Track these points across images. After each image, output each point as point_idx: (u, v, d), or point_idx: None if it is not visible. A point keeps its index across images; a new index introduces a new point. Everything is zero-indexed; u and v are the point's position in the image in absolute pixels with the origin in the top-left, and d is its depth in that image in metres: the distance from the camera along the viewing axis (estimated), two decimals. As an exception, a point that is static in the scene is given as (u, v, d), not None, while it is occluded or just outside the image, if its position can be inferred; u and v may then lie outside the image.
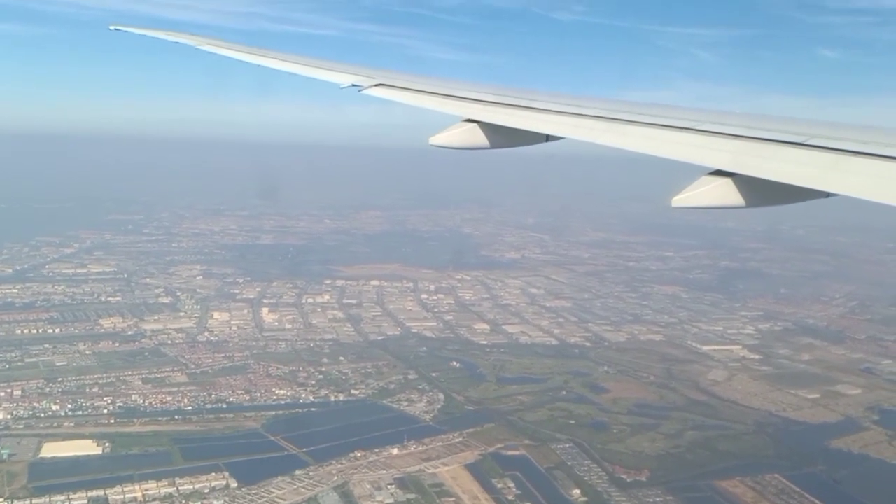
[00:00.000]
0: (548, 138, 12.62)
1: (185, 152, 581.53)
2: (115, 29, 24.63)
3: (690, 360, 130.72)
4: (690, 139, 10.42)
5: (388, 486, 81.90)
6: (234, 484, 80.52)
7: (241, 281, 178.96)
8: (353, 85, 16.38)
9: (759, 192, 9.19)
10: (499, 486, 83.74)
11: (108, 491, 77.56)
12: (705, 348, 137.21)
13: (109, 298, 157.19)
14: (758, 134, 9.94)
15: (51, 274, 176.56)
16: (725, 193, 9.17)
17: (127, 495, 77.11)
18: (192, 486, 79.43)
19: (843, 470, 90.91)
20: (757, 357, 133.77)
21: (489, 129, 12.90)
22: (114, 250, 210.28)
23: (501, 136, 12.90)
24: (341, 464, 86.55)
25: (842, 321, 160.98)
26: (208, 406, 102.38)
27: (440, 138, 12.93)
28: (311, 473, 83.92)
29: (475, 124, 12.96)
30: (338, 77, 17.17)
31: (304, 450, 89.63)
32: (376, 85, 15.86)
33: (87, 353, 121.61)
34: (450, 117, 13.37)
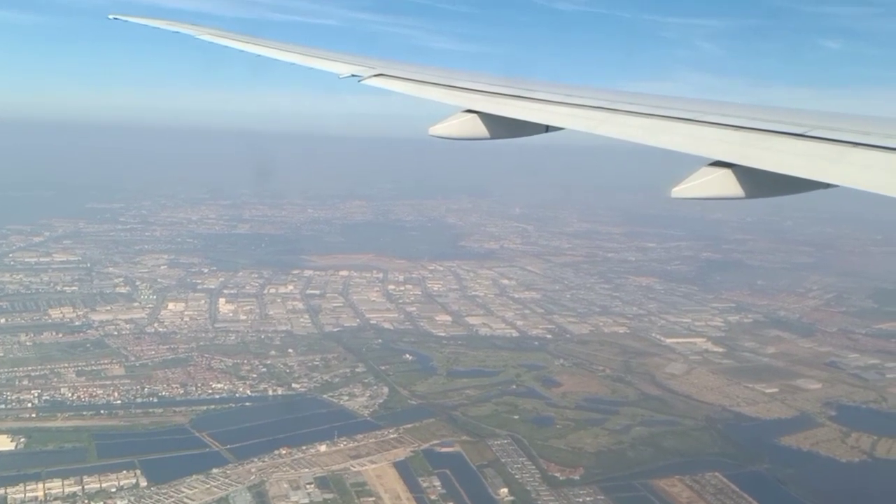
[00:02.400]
0: (548, 129, 12.47)
1: (181, 141, 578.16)
2: (115, 18, 24.53)
3: (651, 353, 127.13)
4: (691, 130, 10.39)
5: (307, 486, 78.49)
6: (143, 483, 77.16)
7: (206, 271, 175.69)
8: (353, 75, 16.25)
9: (759, 183, 9.11)
10: (424, 484, 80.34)
11: (10, 489, 74.12)
12: (668, 341, 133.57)
13: (66, 288, 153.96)
14: (758, 125, 9.92)
15: (12, 263, 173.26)
16: (725, 184, 9.10)
17: (28, 494, 73.77)
18: (98, 485, 76.02)
19: (788, 468, 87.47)
20: (720, 350, 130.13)
21: (489, 119, 12.76)
22: (84, 239, 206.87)
23: (501, 127, 12.80)
24: (263, 461, 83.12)
25: (815, 314, 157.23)
26: (138, 400, 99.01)
27: (440, 128, 12.81)
28: (228, 472, 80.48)
29: (475, 115, 12.82)
30: (337, 67, 17.09)
31: (228, 447, 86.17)
32: (376, 75, 15.78)
33: (28, 344, 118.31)
34: (450, 107, 13.31)
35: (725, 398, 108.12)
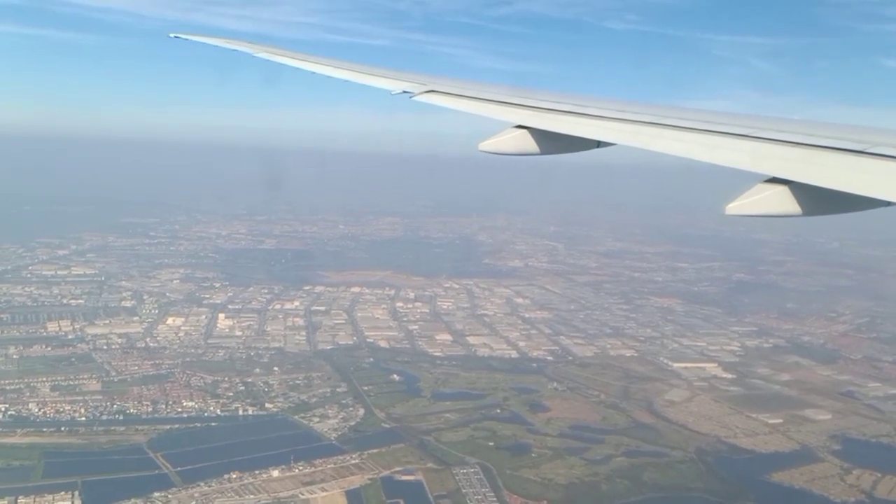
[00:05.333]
0: (599, 144, 12.25)
1: (229, 159, 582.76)
2: (175, 37, 25.45)
3: (654, 378, 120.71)
4: (745, 146, 10.16)
5: (248, 513, 74.68)
6: (77, 505, 74.14)
7: (217, 285, 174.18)
8: (405, 91, 16.19)
9: (816, 200, 8.87)
10: (371, 515, 75.92)
11: (-61, 509, 71.86)
12: (676, 366, 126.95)
13: (72, 301, 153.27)
14: (816, 141, 9.65)
15: (28, 275, 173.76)
16: (781, 201, 8.88)
17: (-44, 514, 71.35)
18: (31, 506, 73.30)
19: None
20: (729, 376, 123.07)
21: (539, 135, 12.66)
22: (108, 253, 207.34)
23: (552, 143, 12.67)
24: (209, 486, 79.40)
25: (842, 339, 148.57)
26: (104, 417, 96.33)
27: (490, 144, 12.78)
28: (169, 496, 76.93)
29: (525, 130, 12.70)
30: (390, 83, 17.13)
31: (178, 469, 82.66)
32: (427, 91, 15.77)
33: (15, 357, 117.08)
34: (500, 123, 13.22)
35: (723, 428, 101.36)
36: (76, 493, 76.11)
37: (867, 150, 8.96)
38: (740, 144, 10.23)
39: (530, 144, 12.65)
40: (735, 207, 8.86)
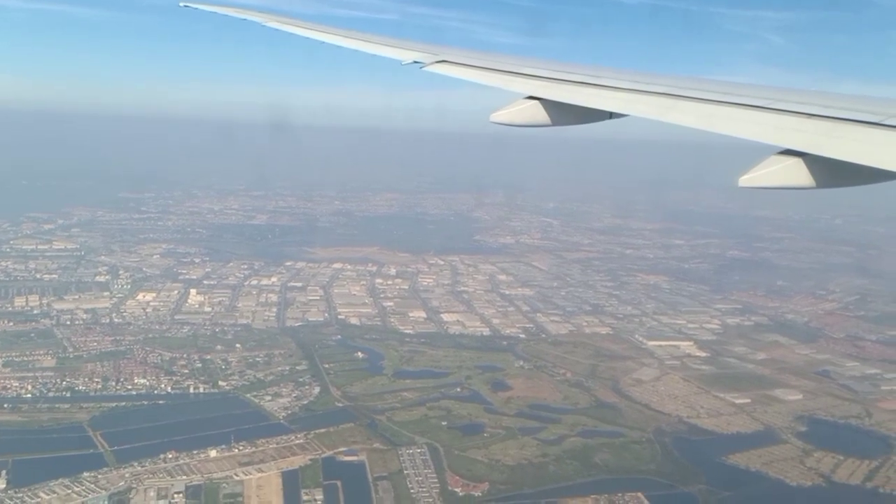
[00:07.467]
0: (611, 116, 12.03)
1: (239, 134, 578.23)
2: (185, 6, 25.34)
3: (625, 357, 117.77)
4: (760, 117, 10.05)
5: (176, 495, 72.42)
6: (2, 486, 72.06)
7: (197, 261, 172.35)
8: (416, 62, 15.94)
9: (830, 172, 8.76)
10: (305, 497, 73.52)
11: None
12: (650, 344, 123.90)
13: (46, 276, 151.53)
14: (831, 113, 9.56)
15: (8, 250, 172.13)
16: (795, 173, 8.82)
17: None
18: (-46, 486, 71.43)
19: (725, 491, 77.89)
20: (703, 355, 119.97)
21: (551, 106, 12.41)
22: (93, 227, 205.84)
23: (564, 114, 12.45)
24: (143, 466, 77.24)
25: (827, 317, 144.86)
26: (50, 394, 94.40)
27: (501, 115, 12.52)
28: (99, 476, 74.78)
29: (537, 101, 12.46)
30: (400, 53, 16.93)
31: (114, 448, 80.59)
32: (438, 61, 15.51)
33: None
34: (511, 94, 13.08)
35: (687, 408, 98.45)
36: (3, 472, 74.18)
37: (883, 122, 8.80)
38: (755, 116, 10.07)
39: (542, 115, 12.37)
40: (748, 179, 8.78)
